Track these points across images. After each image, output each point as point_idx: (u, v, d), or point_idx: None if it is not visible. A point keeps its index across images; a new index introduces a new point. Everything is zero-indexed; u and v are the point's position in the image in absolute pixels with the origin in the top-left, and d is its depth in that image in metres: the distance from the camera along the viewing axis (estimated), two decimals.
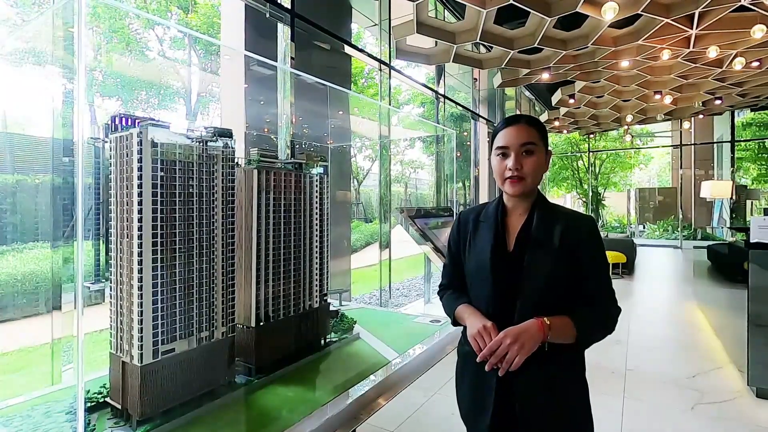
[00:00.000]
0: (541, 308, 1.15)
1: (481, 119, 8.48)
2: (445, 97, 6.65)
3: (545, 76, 6.66)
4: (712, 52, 5.47)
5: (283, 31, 3.58)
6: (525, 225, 1.24)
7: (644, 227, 16.18)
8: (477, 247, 1.29)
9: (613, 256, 7.87)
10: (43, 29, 2.26)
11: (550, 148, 1.29)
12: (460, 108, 7.66)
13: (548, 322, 1.11)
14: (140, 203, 1.10)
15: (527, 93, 9.96)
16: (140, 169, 1.10)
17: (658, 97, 8.11)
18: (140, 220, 1.10)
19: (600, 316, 1.20)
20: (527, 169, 1.20)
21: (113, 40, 9.17)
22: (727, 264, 7.64)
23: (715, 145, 14.00)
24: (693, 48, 5.42)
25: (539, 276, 1.17)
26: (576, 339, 1.14)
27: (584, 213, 1.24)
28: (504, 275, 1.21)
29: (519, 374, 1.12)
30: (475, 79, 8.23)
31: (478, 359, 1.13)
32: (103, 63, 9.35)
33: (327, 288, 1.75)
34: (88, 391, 1.24)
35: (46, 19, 2.32)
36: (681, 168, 14.12)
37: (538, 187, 1.28)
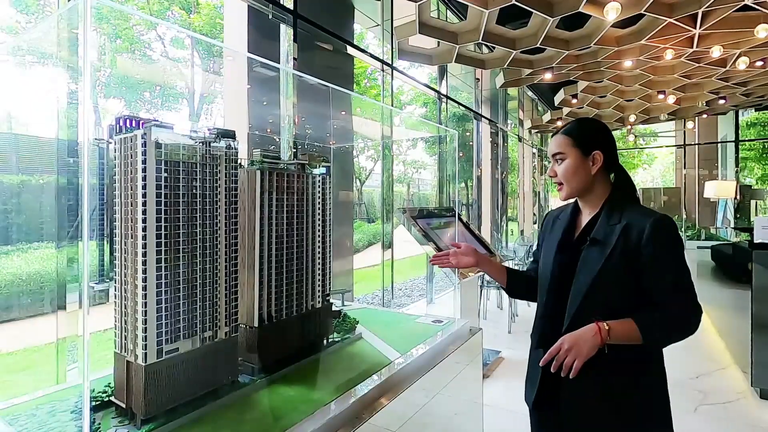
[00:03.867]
0: (591, 306, 1.17)
1: (483, 119, 8.47)
2: (447, 97, 6.65)
3: (548, 76, 6.65)
4: (716, 52, 5.45)
5: (286, 32, 3.59)
6: (588, 224, 1.29)
7: None
8: (548, 244, 1.38)
9: None
10: (49, 31, 2.28)
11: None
12: (463, 108, 7.65)
13: (607, 327, 1.10)
14: (144, 204, 1.11)
15: (530, 93, 9.94)
16: (144, 170, 1.11)
17: (661, 96, 8.08)
18: (144, 220, 1.11)
19: (666, 317, 1.14)
20: (561, 175, 1.30)
21: (116, 42, 9.21)
22: (731, 264, 7.58)
23: (719, 144, 13.91)
24: (696, 48, 5.40)
25: (588, 274, 1.20)
26: (642, 341, 1.11)
27: (658, 212, 1.20)
28: (562, 272, 1.27)
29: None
30: (478, 79, 8.22)
31: (540, 363, 1.15)
32: (107, 64, 9.39)
33: (329, 288, 1.76)
34: (93, 390, 1.25)
35: (51, 21, 2.34)
36: (685, 168, 14.06)
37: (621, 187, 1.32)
